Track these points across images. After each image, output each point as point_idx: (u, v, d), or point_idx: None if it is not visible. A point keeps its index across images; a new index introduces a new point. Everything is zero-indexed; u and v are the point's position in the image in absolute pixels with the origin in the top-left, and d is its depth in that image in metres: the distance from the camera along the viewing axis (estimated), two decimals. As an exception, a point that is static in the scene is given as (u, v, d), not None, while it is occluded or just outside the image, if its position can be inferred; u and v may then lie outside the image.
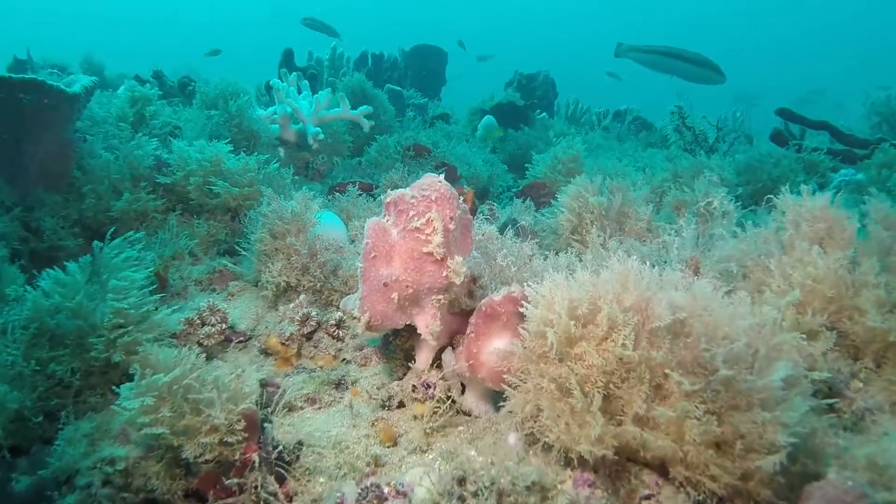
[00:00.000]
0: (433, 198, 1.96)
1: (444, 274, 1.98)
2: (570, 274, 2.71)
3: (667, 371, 1.61)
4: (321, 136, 5.18)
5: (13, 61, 8.32)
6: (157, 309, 2.35)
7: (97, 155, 3.37)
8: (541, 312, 1.78)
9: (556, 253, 2.98)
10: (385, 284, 1.98)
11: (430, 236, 1.94)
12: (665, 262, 2.61)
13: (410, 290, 1.99)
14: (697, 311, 1.66)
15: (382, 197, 2.08)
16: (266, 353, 2.51)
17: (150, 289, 2.38)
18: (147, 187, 3.44)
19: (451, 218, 1.97)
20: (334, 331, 2.50)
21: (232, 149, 3.66)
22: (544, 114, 9.05)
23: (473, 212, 3.58)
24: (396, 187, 4.18)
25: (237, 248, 3.10)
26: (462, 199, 3.55)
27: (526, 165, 5.35)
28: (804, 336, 1.89)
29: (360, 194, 3.83)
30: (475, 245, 2.78)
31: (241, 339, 2.60)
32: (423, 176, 2.06)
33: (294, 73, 5.48)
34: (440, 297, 2.04)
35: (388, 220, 2.02)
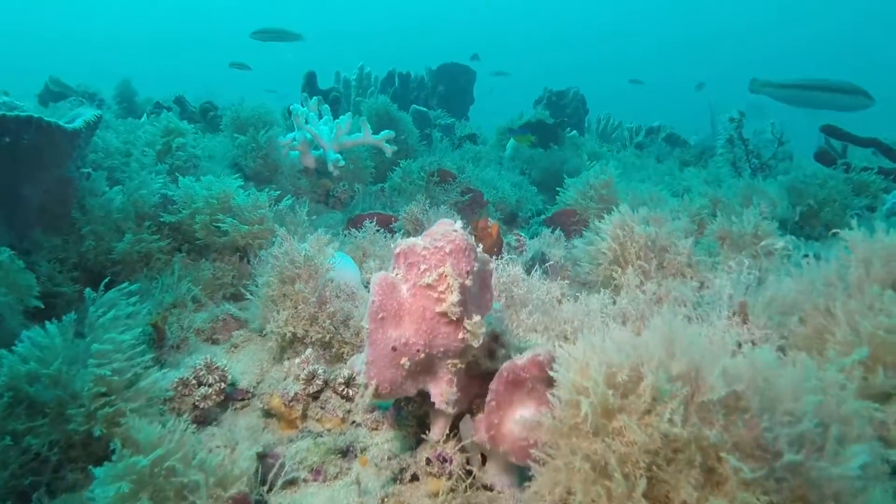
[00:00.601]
0: (447, 250, 1.70)
1: (461, 336, 1.73)
2: (604, 321, 2.47)
3: (721, 454, 1.36)
4: (342, 163, 5.00)
5: (44, 88, 8.38)
6: (147, 370, 2.13)
7: (99, 193, 3.20)
8: (573, 377, 1.53)
9: (588, 292, 2.74)
10: (394, 348, 1.73)
11: (443, 294, 1.68)
12: (708, 304, 2.35)
13: (422, 355, 1.74)
14: (757, 383, 1.41)
15: (392, 245, 1.85)
16: (269, 414, 2.29)
17: (140, 349, 2.16)
18: (151, 227, 3.26)
19: (468, 272, 1.72)
20: (343, 389, 2.26)
21: (242, 183, 3.47)
22: (574, 131, 8.80)
23: (500, 245, 3.34)
24: (417, 222, 3.99)
25: (243, 290, 2.89)
26: (488, 231, 3.34)
27: (557, 189, 5.11)
28: (876, 406, 1.63)
29: (378, 230, 3.60)
30: (498, 289, 2.54)
31: (243, 398, 2.38)
32: (437, 223, 1.82)
33: (315, 98, 5.31)
34: (456, 360, 1.78)
35: (397, 274, 1.78)
